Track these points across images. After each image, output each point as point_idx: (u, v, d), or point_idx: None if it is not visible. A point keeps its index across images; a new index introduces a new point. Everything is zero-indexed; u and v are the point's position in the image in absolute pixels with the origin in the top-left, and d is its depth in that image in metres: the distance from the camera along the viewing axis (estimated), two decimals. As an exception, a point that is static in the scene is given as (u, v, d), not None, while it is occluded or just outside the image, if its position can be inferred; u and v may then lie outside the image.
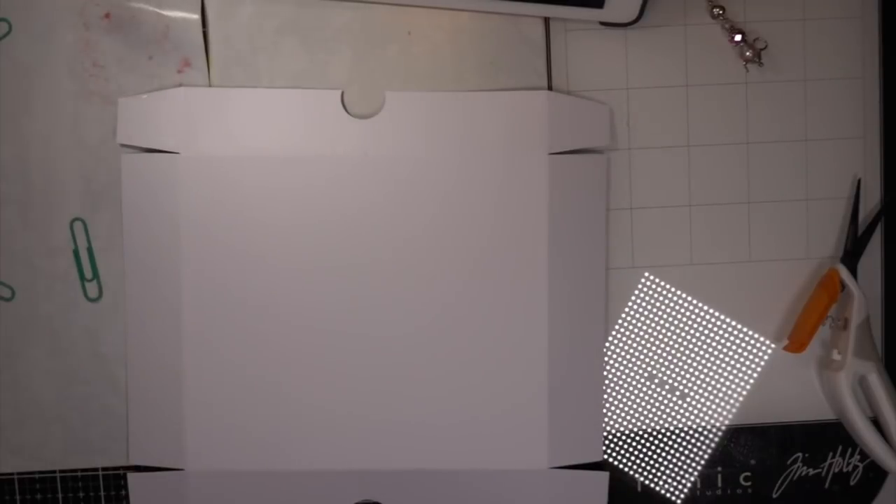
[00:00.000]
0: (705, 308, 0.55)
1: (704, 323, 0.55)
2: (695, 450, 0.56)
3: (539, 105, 0.53)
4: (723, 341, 0.55)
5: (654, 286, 0.55)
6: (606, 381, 0.55)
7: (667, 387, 0.56)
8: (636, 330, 0.55)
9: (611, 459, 0.56)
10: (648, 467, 0.56)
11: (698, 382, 0.56)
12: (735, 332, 0.55)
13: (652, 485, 0.56)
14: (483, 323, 0.53)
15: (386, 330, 0.53)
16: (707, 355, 0.55)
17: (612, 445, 0.56)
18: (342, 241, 0.53)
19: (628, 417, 0.56)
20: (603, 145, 0.53)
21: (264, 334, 0.53)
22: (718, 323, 0.55)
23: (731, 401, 0.56)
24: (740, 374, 0.56)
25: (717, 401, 0.56)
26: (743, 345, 0.56)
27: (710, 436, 0.56)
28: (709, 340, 0.55)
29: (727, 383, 0.56)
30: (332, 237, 0.53)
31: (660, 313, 0.55)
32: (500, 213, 0.53)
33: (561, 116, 0.53)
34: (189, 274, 0.53)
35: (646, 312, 0.55)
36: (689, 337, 0.55)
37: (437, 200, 0.53)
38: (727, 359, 0.56)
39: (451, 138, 0.53)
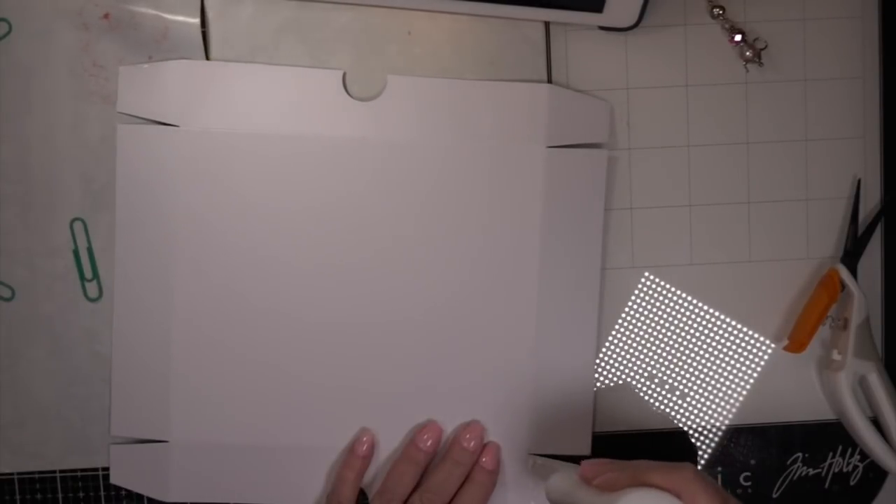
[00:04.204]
0: (705, 308, 0.55)
1: (704, 323, 0.55)
2: (695, 450, 0.56)
3: (540, 97, 0.53)
4: (723, 341, 0.55)
5: (654, 286, 0.55)
6: (606, 382, 0.55)
7: (667, 387, 0.56)
8: (636, 330, 0.55)
9: (611, 459, 0.56)
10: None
11: (698, 382, 0.56)
12: (735, 332, 0.55)
13: (652, 485, 0.56)
14: (472, 309, 0.53)
15: (373, 313, 0.53)
16: (707, 355, 0.55)
17: (612, 445, 0.56)
18: (336, 221, 0.53)
19: (628, 417, 0.56)
20: (602, 141, 0.53)
21: (253, 310, 0.53)
22: (718, 323, 0.55)
23: (731, 401, 0.56)
24: (740, 374, 0.56)
25: (717, 401, 0.56)
26: (743, 345, 0.56)
27: (710, 436, 0.56)
28: (709, 340, 0.55)
29: (727, 383, 0.56)
30: (326, 217, 0.53)
31: (660, 313, 0.55)
32: (496, 203, 0.53)
33: (561, 110, 0.53)
34: (181, 247, 0.53)
35: (646, 312, 0.55)
36: (689, 337, 0.55)
37: (433, 186, 0.53)
38: (727, 359, 0.56)
39: (450, 125, 0.53)
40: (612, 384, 0.55)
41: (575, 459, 0.54)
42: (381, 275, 0.53)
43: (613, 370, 0.55)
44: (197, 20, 0.52)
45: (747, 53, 0.53)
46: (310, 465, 0.54)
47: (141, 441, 0.54)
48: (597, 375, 0.55)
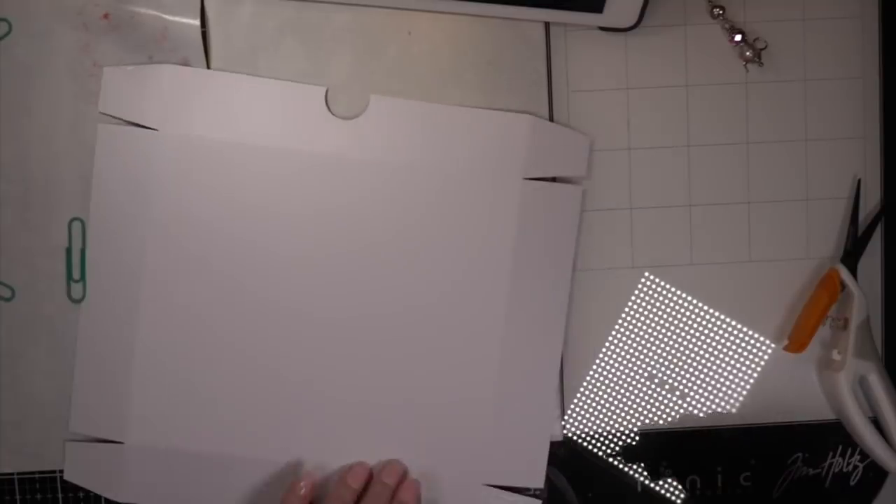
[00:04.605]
0: (705, 308, 0.55)
1: (704, 323, 0.55)
2: (695, 450, 0.56)
3: (521, 129, 0.52)
4: (723, 341, 0.55)
5: (654, 286, 0.55)
6: (607, 381, 0.55)
7: (667, 387, 0.56)
8: (636, 330, 0.55)
9: (611, 459, 0.56)
10: (648, 467, 0.56)
11: (698, 382, 0.56)
12: (735, 332, 0.55)
13: (652, 485, 0.56)
14: (437, 336, 0.53)
15: (339, 327, 0.53)
16: (707, 355, 0.55)
17: (612, 445, 0.56)
18: (309, 235, 0.53)
19: (628, 417, 0.56)
20: (580, 175, 0.53)
21: (220, 317, 0.53)
22: (718, 323, 0.55)
23: (731, 401, 0.56)
24: (740, 374, 0.56)
25: (717, 401, 0.56)
26: (743, 345, 0.56)
27: (710, 436, 0.56)
28: (709, 340, 0.55)
29: (727, 383, 0.56)
30: (300, 230, 0.53)
31: (660, 313, 0.55)
32: (469, 231, 0.53)
33: (541, 142, 0.53)
34: (152, 250, 0.53)
35: (646, 312, 0.55)
36: (689, 337, 0.55)
37: (408, 208, 0.53)
38: (727, 359, 0.56)
39: (430, 149, 0.53)
40: (612, 384, 0.55)
41: (530, 492, 0.54)
42: (350, 293, 0.53)
43: (614, 370, 0.55)
44: (197, 20, 0.52)
45: (747, 53, 0.53)
46: (265, 478, 0.54)
47: (97, 440, 0.54)
48: (593, 374, 0.55)
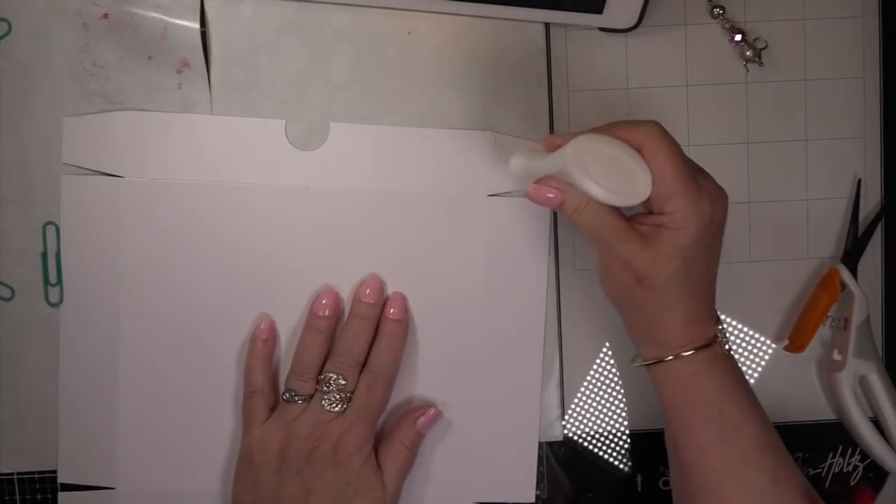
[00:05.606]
0: (705, 308, 0.55)
1: (704, 323, 0.55)
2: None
3: (482, 145, 0.52)
4: (723, 341, 0.55)
5: (654, 286, 0.55)
6: (607, 381, 0.55)
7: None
8: (636, 330, 0.55)
9: (611, 459, 0.56)
10: (649, 467, 0.56)
11: (698, 382, 0.55)
12: (735, 332, 0.55)
13: (652, 484, 0.56)
14: (416, 358, 0.53)
15: None
16: (707, 355, 0.55)
17: (613, 445, 0.56)
18: (280, 270, 0.53)
19: (629, 417, 0.56)
20: None
21: (200, 357, 0.53)
22: (718, 323, 0.55)
23: (731, 401, 0.56)
24: (740, 374, 0.56)
25: (717, 401, 0.55)
26: (743, 345, 0.55)
27: (710, 436, 0.56)
28: (709, 340, 0.55)
29: (727, 383, 0.55)
30: (270, 266, 0.53)
31: (660, 313, 0.55)
32: (440, 252, 0.53)
33: (503, 158, 0.52)
34: (127, 296, 0.53)
35: (646, 312, 0.55)
36: (689, 337, 0.55)
37: (376, 234, 0.53)
38: (727, 359, 0.55)
39: (392, 173, 0.53)
40: (612, 384, 0.55)
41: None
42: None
43: (614, 370, 0.55)
44: (196, 23, 0.52)
45: (747, 53, 0.53)
46: None
47: (88, 488, 0.54)
48: (593, 374, 0.55)
